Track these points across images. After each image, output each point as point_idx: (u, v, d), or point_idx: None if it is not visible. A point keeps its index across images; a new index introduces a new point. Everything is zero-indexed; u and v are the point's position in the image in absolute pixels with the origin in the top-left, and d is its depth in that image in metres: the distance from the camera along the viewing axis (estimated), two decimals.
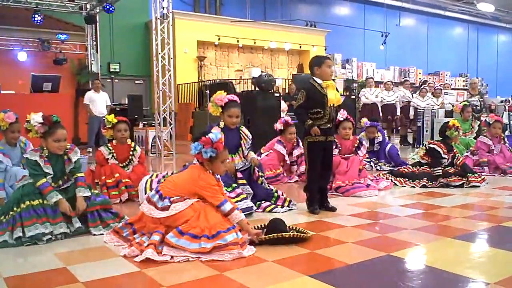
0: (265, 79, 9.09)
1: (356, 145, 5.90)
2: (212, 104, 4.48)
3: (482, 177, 5.86)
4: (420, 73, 20.31)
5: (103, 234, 3.59)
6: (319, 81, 4.26)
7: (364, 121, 7.67)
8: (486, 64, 23.55)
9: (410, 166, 6.09)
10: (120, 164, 5.21)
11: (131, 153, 5.32)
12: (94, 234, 3.61)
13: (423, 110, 10.80)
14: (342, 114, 5.54)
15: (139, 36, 15.76)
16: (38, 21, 11.92)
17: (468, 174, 5.72)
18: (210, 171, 3.32)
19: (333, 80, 4.46)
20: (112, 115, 5.35)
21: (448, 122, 6.05)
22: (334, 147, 5.06)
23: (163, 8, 10.32)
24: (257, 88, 9.33)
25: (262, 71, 13.97)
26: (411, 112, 11.54)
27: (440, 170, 5.73)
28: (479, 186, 5.60)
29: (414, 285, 2.52)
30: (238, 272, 2.74)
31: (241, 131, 4.59)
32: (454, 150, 6.00)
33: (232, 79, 14.77)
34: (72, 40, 13.98)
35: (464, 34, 23.62)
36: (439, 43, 22.00)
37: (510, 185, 5.74)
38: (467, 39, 23.65)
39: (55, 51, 13.69)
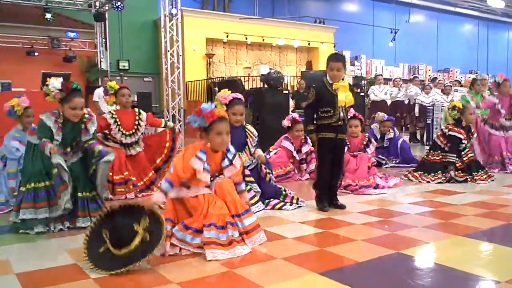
0: (274, 76, 9.08)
1: (364, 142, 5.88)
2: (217, 102, 4.48)
3: (489, 173, 5.84)
4: (429, 70, 20.20)
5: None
6: (330, 80, 4.21)
7: (382, 114, 7.65)
8: (496, 60, 23.36)
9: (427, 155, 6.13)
10: (126, 132, 5.15)
11: (136, 117, 5.27)
12: (80, 227, 3.64)
13: (432, 108, 10.75)
14: (349, 112, 5.47)
15: (148, 34, 15.83)
16: (49, 19, 11.98)
17: (473, 173, 5.72)
18: (209, 145, 3.22)
19: (343, 79, 4.30)
20: (114, 82, 5.39)
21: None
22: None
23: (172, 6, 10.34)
24: (265, 85, 9.33)
25: (270, 68, 13.96)
26: (416, 109, 11.48)
27: (455, 156, 5.77)
28: (486, 183, 5.60)
29: (424, 283, 2.51)
30: (247, 269, 2.74)
31: (246, 129, 4.58)
32: (472, 131, 6.04)
33: (240, 76, 14.77)
34: (81, 37, 14.07)
35: (474, 31, 23.44)
36: (448, 40, 21.85)
37: None
38: (477, 35, 23.46)
39: (64, 49, 13.78)
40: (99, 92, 10.68)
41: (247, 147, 4.56)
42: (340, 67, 4.19)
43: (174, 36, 10.42)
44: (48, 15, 12.04)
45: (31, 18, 12.93)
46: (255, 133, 4.63)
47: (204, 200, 3.11)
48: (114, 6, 12.03)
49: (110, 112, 5.21)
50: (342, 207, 4.32)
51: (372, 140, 6.04)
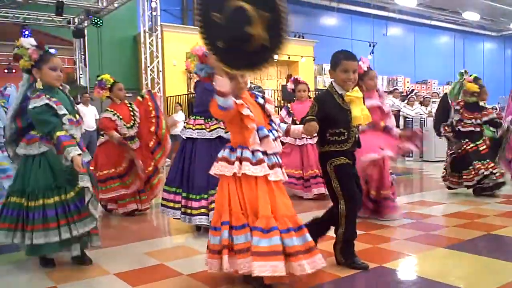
0: (254, 91, 9.11)
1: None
2: (191, 56, 4.15)
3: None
4: (408, 81, 20.48)
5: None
6: (340, 90, 3.07)
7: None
8: (472, 72, 23.51)
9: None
10: (127, 124, 5.04)
11: (131, 113, 5.17)
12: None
13: (411, 119, 10.89)
14: (364, 62, 4.37)
15: (128, 49, 15.74)
16: (26, 36, 11.88)
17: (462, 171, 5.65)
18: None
19: (358, 86, 3.20)
20: (108, 75, 5.27)
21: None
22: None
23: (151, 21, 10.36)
24: None
25: (251, 82, 13.98)
26: (401, 122, 11.61)
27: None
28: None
29: None
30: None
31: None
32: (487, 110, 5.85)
33: None
34: (60, 54, 13.91)
35: (451, 43, 23.88)
36: (426, 52, 22.21)
37: (500, 193, 5.76)
38: (454, 47, 23.89)
39: None
40: (78, 109, 10.61)
41: None
42: (357, 69, 3.16)
43: (154, 52, 10.42)
44: (26, 32, 11.94)
45: (9, 35, 12.78)
46: None
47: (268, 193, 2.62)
48: (93, 23, 11.98)
49: (108, 110, 5.10)
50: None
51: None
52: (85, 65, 13.91)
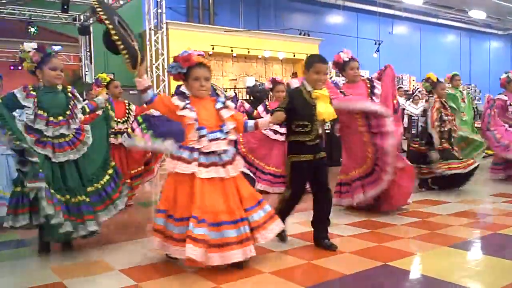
0: (260, 88, 9.12)
1: (369, 87, 4.82)
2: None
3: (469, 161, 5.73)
4: (413, 80, 20.43)
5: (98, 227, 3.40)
6: (309, 87, 3.42)
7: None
8: (479, 70, 23.70)
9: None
10: (118, 120, 5.19)
11: (127, 110, 5.41)
12: (93, 233, 3.38)
13: (417, 118, 10.85)
14: (346, 53, 4.79)
15: None
16: (33, 33, 11.93)
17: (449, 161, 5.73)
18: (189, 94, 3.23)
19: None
20: (104, 74, 5.51)
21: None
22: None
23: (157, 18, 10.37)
24: (251, 98, 9.36)
25: (256, 80, 14.00)
26: (405, 120, 11.57)
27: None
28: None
29: None
30: (235, 284, 2.73)
31: None
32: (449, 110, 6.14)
33: (226, 89, 14.79)
34: (66, 51, 13.98)
35: (457, 41, 23.79)
36: (432, 50, 22.14)
37: (506, 192, 5.75)
38: (460, 46, 23.80)
39: None
40: None
41: None
42: (326, 71, 3.45)
43: (160, 49, 10.43)
44: (32, 29, 11.98)
45: (15, 32, 12.84)
46: None
47: (199, 189, 2.90)
48: (99, 20, 12.00)
49: None
50: (332, 248, 3.37)
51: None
52: (90, 62, 13.94)
